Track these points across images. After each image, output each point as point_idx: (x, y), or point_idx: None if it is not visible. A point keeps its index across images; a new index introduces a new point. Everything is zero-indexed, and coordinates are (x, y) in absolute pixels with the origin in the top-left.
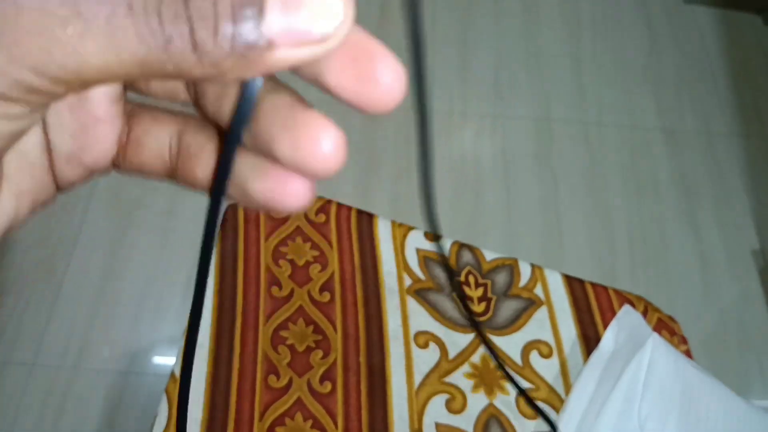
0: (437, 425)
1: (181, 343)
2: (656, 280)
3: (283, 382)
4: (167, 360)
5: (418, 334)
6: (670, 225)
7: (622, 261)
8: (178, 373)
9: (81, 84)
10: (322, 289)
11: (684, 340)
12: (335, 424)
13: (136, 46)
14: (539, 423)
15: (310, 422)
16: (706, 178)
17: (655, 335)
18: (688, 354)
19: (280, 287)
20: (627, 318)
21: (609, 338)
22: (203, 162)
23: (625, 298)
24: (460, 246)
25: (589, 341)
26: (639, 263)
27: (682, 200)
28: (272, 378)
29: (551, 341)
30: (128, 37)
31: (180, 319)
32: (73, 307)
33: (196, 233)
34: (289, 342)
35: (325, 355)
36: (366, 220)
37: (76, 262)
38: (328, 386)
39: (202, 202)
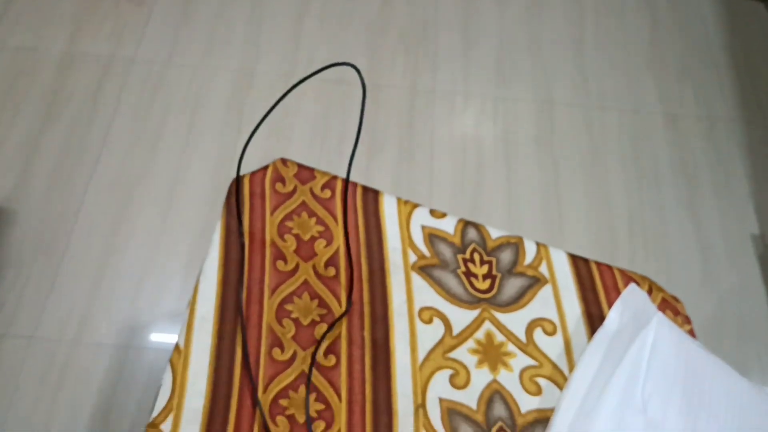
0: (441, 400)
1: (185, 315)
2: (655, 265)
3: (288, 354)
4: (168, 335)
5: (422, 309)
6: (669, 210)
7: (622, 246)
8: (182, 344)
9: None
10: (327, 264)
11: (688, 320)
12: (339, 397)
13: None
14: (543, 399)
15: (314, 395)
16: (707, 164)
17: (660, 314)
18: (691, 333)
19: (286, 261)
20: (632, 297)
21: (614, 317)
22: None
23: (630, 278)
24: (466, 223)
25: (594, 319)
26: (638, 248)
27: (683, 186)
28: (276, 351)
29: (555, 319)
30: None
31: (180, 295)
32: (74, 282)
33: (196, 210)
34: (293, 315)
35: (330, 328)
36: (372, 196)
37: (76, 238)
38: (332, 359)
39: (204, 179)
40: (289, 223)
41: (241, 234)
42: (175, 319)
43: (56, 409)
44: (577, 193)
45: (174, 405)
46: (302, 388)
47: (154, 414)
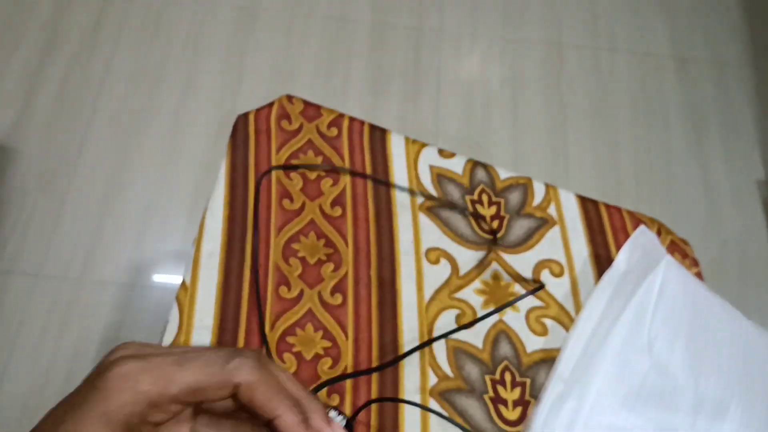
0: (447, 340)
1: (191, 252)
2: (660, 208)
3: (294, 293)
4: (172, 274)
5: (429, 250)
6: (676, 154)
7: (627, 189)
8: (188, 281)
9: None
10: (333, 204)
11: (696, 263)
12: (345, 335)
13: None
14: (548, 339)
15: (320, 333)
16: (715, 109)
17: (669, 257)
18: (699, 276)
19: (291, 200)
20: (642, 238)
21: (622, 258)
22: None
23: (639, 220)
24: (475, 164)
25: (601, 261)
26: (644, 191)
27: (690, 130)
28: (283, 289)
29: (563, 260)
30: None
31: (185, 234)
32: (78, 220)
33: (200, 148)
34: (300, 254)
35: (336, 268)
36: (379, 135)
37: (79, 175)
38: (338, 298)
39: (209, 115)
40: (295, 161)
41: (246, 172)
42: (180, 258)
43: (62, 345)
44: (583, 135)
45: (181, 341)
46: (309, 326)
47: None
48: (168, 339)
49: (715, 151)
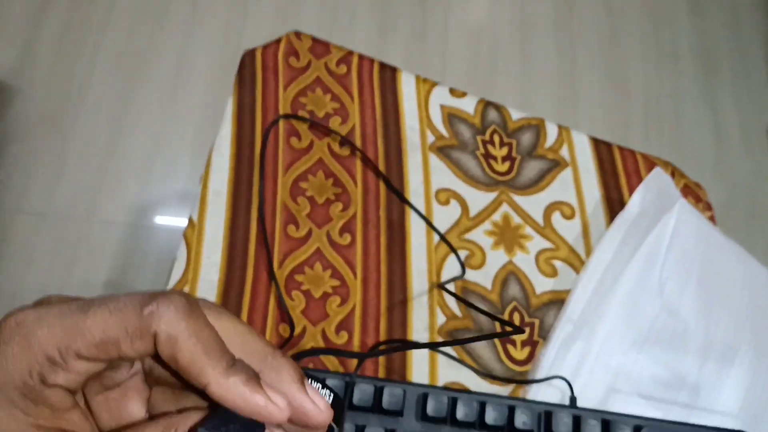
0: (455, 281)
1: (199, 189)
2: (669, 151)
3: (303, 232)
4: (177, 215)
5: (439, 191)
6: (687, 97)
7: (636, 130)
8: (196, 218)
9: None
10: (342, 143)
11: (709, 207)
12: (354, 274)
13: None
14: (558, 281)
15: (329, 272)
16: (727, 52)
17: (683, 200)
18: (712, 220)
19: (300, 138)
20: (656, 180)
21: (636, 200)
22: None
23: (653, 163)
24: (486, 104)
25: (613, 204)
26: (653, 133)
27: (701, 73)
28: (291, 228)
29: (574, 203)
30: None
31: (189, 175)
32: (82, 159)
33: (206, 89)
34: (308, 194)
35: (345, 208)
36: (389, 73)
37: (83, 115)
38: (347, 238)
39: (213, 55)
40: (303, 99)
41: (253, 109)
42: (185, 199)
43: (70, 282)
44: (593, 76)
45: (189, 278)
46: (318, 265)
47: (170, 286)
48: (176, 276)
49: (726, 95)
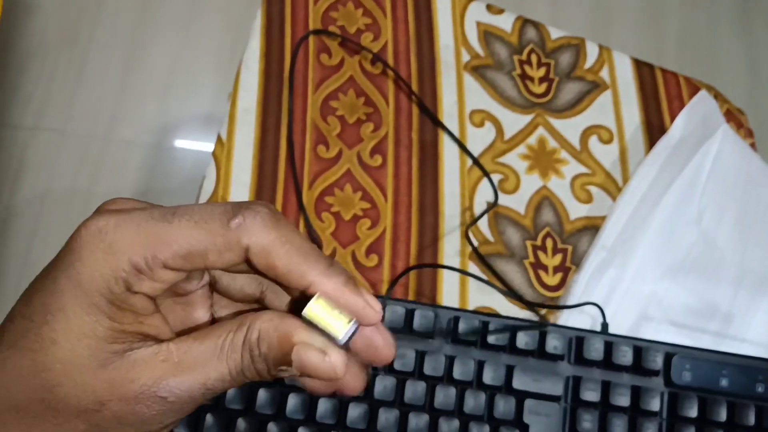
0: (488, 203)
1: (227, 107)
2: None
3: (333, 153)
4: (200, 135)
5: (473, 112)
6: (722, 28)
7: (668, 59)
8: (225, 136)
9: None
10: (374, 60)
11: (750, 133)
12: (384, 197)
13: None
14: (593, 207)
15: (359, 194)
16: None
17: (726, 126)
18: (753, 147)
19: (330, 55)
20: (701, 105)
21: (679, 124)
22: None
23: (697, 87)
24: (524, 21)
25: (653, 129)
26: (685, 63)
27: (739, 3)
28: (321, 148)
29: (613, 127)
30: None
31: (210, 96)
32: (101, 76)
33: (229, 2)
34: (339, 113)
35: (376, 129)
36: None
37: (101, 30)
38: (378, 159)
39: None
40: (334, 14)
41: (282, 24)
42: (207, 119)
43: (92, 201)
44: (628, 4)
45: (219, 197)
46: (348, 187)
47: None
48: (205, 196)
49: (763, 25)
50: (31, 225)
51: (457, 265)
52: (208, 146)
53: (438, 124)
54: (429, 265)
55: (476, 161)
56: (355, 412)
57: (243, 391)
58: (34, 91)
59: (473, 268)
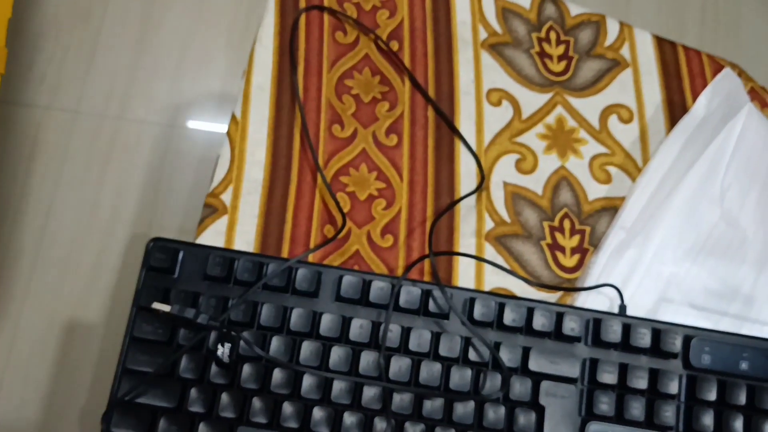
0: (505, 184)
1: (241, 84)
2: (723, 56)
3: (348, 132)
4: (212, 117)
5: (491, 90)
6: (747, 5)
7: (690, 33)
8: (239, 115)
9: None
10: (390, 38)
11: None
12: (400, 177)
13: None
14: (612, 187)
15: (374, 174)
16: None
17: (751, 104)
18: None
19: (345, 33)
20: (725, 82)
21: (702, 102)
22: None
23: (720, 65)
24: None
25: (674, 108)
26: (707, 37)
27: None
28: (336, 127)
29: (633, 106)
30: None
31: (222, 75)
32: (113, 56)
33: None
34: (354, 92)
35: (392, 108)
36: None
37: (113, 8)
38: (394, 139)
39: None
40: None
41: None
42: (220, 98)
43: (106, 181)
44: None
45: (233, 176)
46: (363, 167)
47: (214, 184)
48: (220, 174)
49: None
50: (46, 204)
51: (473, 246)
52: (222, 125)
53: (441, 113)
54: (444, 252)
55: (475, 156)
56: (369, 392)
57: (229, 372)
58: (47, 70)
59: (489, 248)
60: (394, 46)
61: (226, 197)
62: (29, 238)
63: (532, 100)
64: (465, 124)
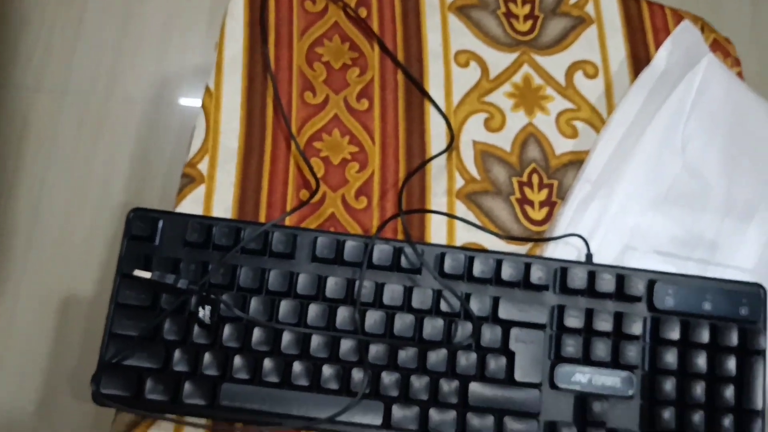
0: (475, 143)
1: (214, 56)
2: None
3: (320, 98)
4: (198, 90)
5: (458, 52)
6: None
7: None
8: (213, 86)
9: None
10: (358, 5)
11: (737, 62)
12: (372, 140)
13: None
14: (578, 142)
15: (347, 138)
16: None
17: (711, 55)
18: (740, 76)
19: (314, 2)
20: (684, 35)
21: (662, 55)
22: None
23: (682, 18)
24: None
25: (639, 62)
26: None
27: None
28: (308, 94)
29: (598, 61)
30: None
31: (206, 49)
32: (98, 35)
33: None
34: (324, 59)
35: (362, 73)
36: None
37: None
38: (365, 103)
39: None
40: None
41: None
42: (204, 74)
43: (95, 158)
44: None
45: (209, 146)
46: (336, 131)
47: (191, 155)
48: (196, 144)
49: None
50: (38, 182)
51: (444, 204)
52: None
53: (412, 79)
54: (413, 211)
55: (441, 113)
56: (346, 345)
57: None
58: (33, 50)
59: (460, 206)
60: (363, 12)
61: (203, 167)
62: (23, 216)
63: (499, 60)
64: (434, 86)
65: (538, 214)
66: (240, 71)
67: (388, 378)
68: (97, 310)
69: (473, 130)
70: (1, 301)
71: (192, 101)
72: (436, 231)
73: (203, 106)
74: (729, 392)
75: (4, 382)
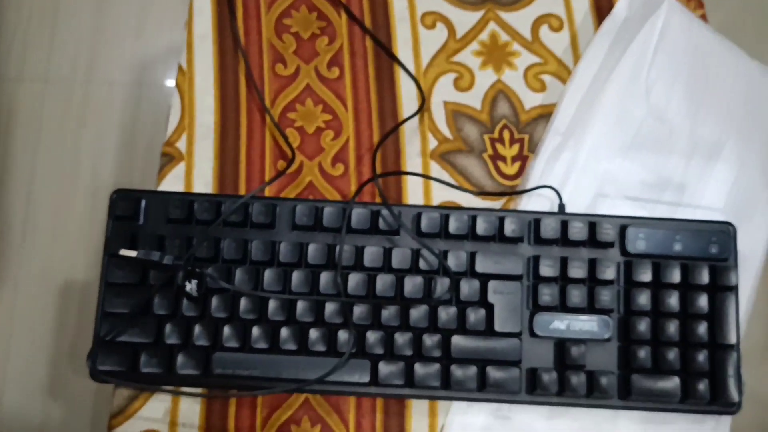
0: (445, 103)
1: (184, 35)
2: None
3: (291, 69)
4: (175, 71)
5: (425, 14)
6: None
7: None
8: (185, 64)
9: None
10: None
11: (701, 4)
12: (345, 107)
13: None
14: (547, 95)
15: (320, 107)
16: None
17: (671, 0)
18: (703, 18)
19: None
20: None
21: (623, 4)
22: None
23: None
24: None
25: (602, 12)
26: None
27: None
28: (279, 66)
29: (562, 14)
30: None
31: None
32: (75, 21)
33: None
34: (293, 30)
35: (331, 42)
36: None
37: None
38: (335, 72)
39: None
40: None
41: None
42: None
43: (82, 145)
44: None
45: (186, 124)
46: (309, 101)
47: (168, 134)
48: (173, 123)
49: None
50: (28, 172)
51: (419, 165)
52: None
53: (378, 42)
54: (387, 173)
55: (412, 77)
56: (330, 308)
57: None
58: (12, 41)
59: (435, 166)
60: None
61: (181, 144)
62: (16, 206)
63: (465, 20)
64: (403, 49)
65: (511, 169)
66: (210, 48)
67: (372, 337)
68: (93, 292)
69: (443, 91)
70: (2, 288)
71: (172, 81)
72: (413, 192)
73: (177, 84)
74: (702, 329)
75: (12, 366)
